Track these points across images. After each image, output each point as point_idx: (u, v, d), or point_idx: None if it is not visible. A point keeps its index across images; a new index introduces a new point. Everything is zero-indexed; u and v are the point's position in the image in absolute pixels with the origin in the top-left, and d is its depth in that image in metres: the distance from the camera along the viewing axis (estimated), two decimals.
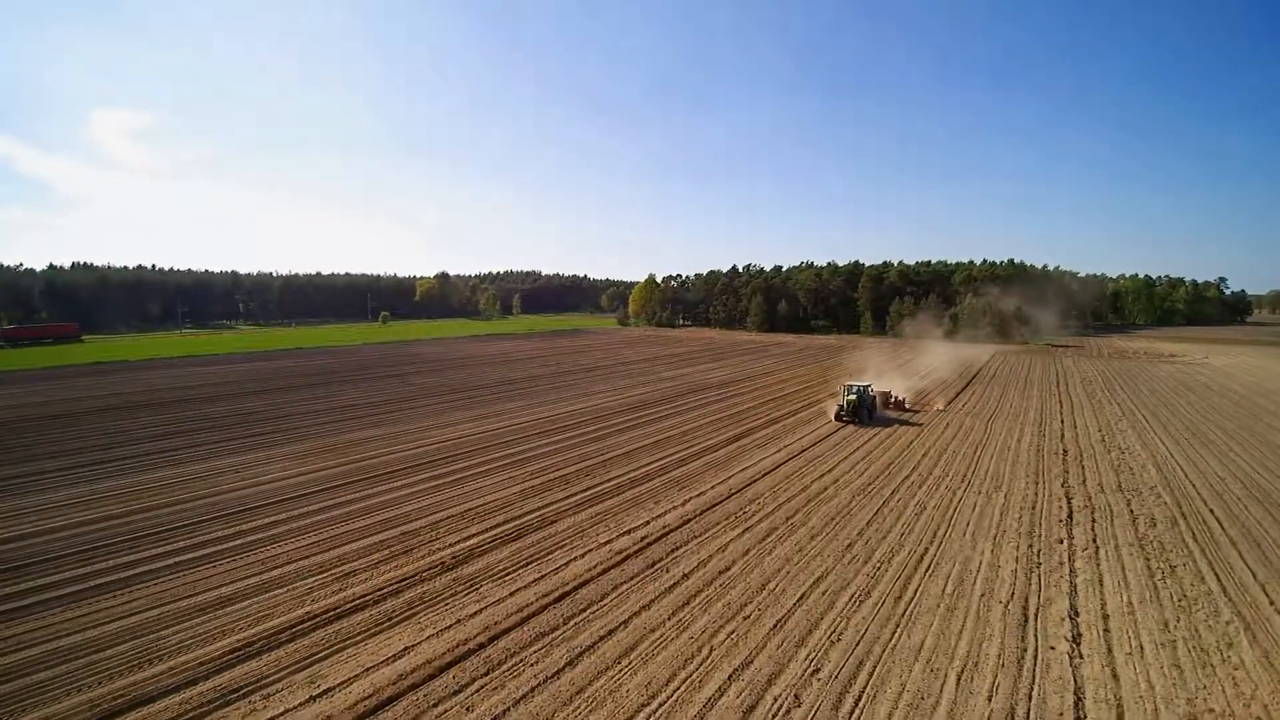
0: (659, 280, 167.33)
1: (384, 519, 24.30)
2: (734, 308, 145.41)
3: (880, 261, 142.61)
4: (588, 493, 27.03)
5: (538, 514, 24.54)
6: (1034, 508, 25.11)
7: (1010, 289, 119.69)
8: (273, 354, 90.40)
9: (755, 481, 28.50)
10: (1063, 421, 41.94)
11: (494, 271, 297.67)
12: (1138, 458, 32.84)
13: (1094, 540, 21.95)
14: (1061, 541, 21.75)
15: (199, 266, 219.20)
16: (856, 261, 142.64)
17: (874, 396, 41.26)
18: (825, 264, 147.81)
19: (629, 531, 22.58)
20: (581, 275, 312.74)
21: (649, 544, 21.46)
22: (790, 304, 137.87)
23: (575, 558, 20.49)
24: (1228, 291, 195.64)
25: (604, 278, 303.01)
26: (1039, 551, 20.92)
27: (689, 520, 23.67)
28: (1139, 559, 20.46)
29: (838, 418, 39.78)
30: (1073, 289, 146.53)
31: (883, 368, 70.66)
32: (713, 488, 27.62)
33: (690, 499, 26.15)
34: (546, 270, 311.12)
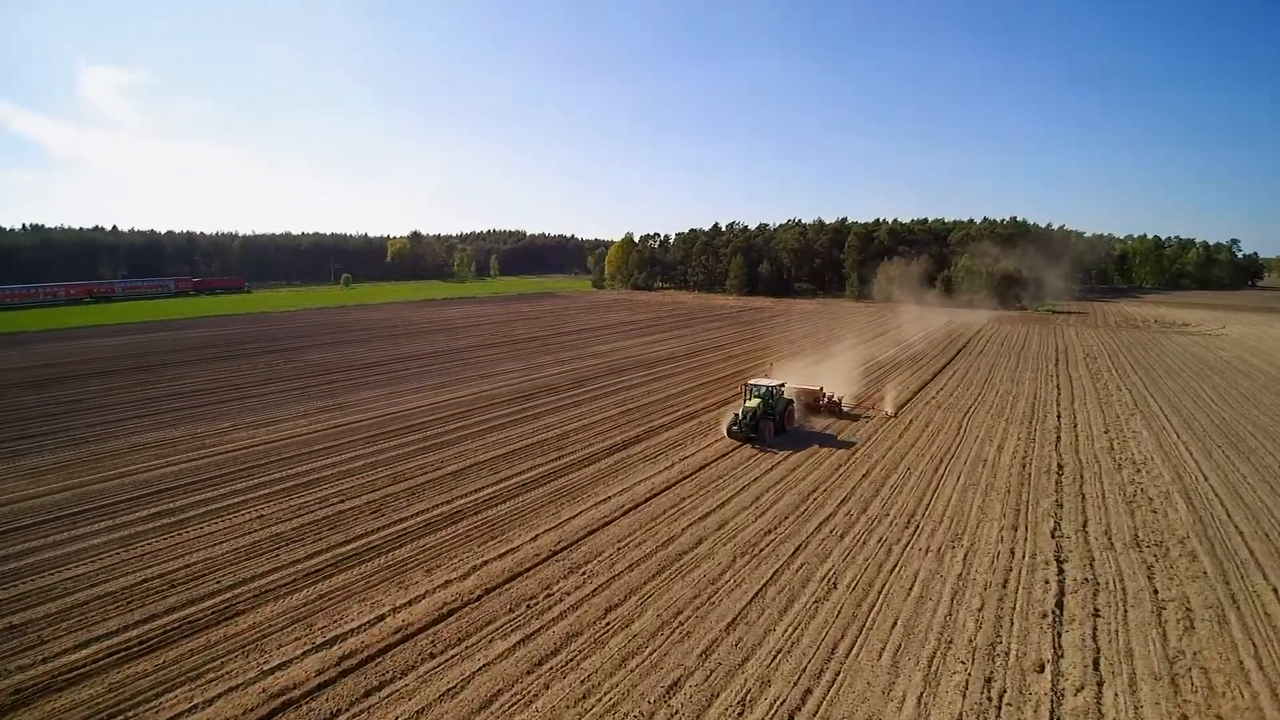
0: (636, 240, 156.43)
1: None
2: (713, 269, 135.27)
3: (872, 219, 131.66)
4: (345, 548, 18.20)
5: (226, 598, 15.73)
6: (1005, 583, 16.26)
7: (1010, 249, 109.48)
8: (198, 322, 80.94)
9: (606, 525, 19.65)
10: (1059, 417, 32.92)
11: (475, 231, 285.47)
12: (1158, 480, 23.90)
13: (1095, 663, 13.16)
14: (1043, 669, 12.94)
15: (162, 227, 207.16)
16: (844, 219, 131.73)
17: (789, 401, 29.85)
18: (812, 221, 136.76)
19: (332, 642, 13.79)
20: (569, 235, 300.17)
21: (333, 680, 12.65)
22: (772, 265, 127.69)
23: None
24: (1240, 254, 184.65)
25: (593, 238, 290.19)
26: (1003, 697, 12.11)
27: (450, 613, 14.86)
28: (1173, 717, 11.66)
29: (730, 433, 28.06)
30: (1078, 250, 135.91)
31: (855, 338, 61.42)
32: (536, 538, 18.77)
33: (489, 561, 17.33)
34: (532, 230, 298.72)
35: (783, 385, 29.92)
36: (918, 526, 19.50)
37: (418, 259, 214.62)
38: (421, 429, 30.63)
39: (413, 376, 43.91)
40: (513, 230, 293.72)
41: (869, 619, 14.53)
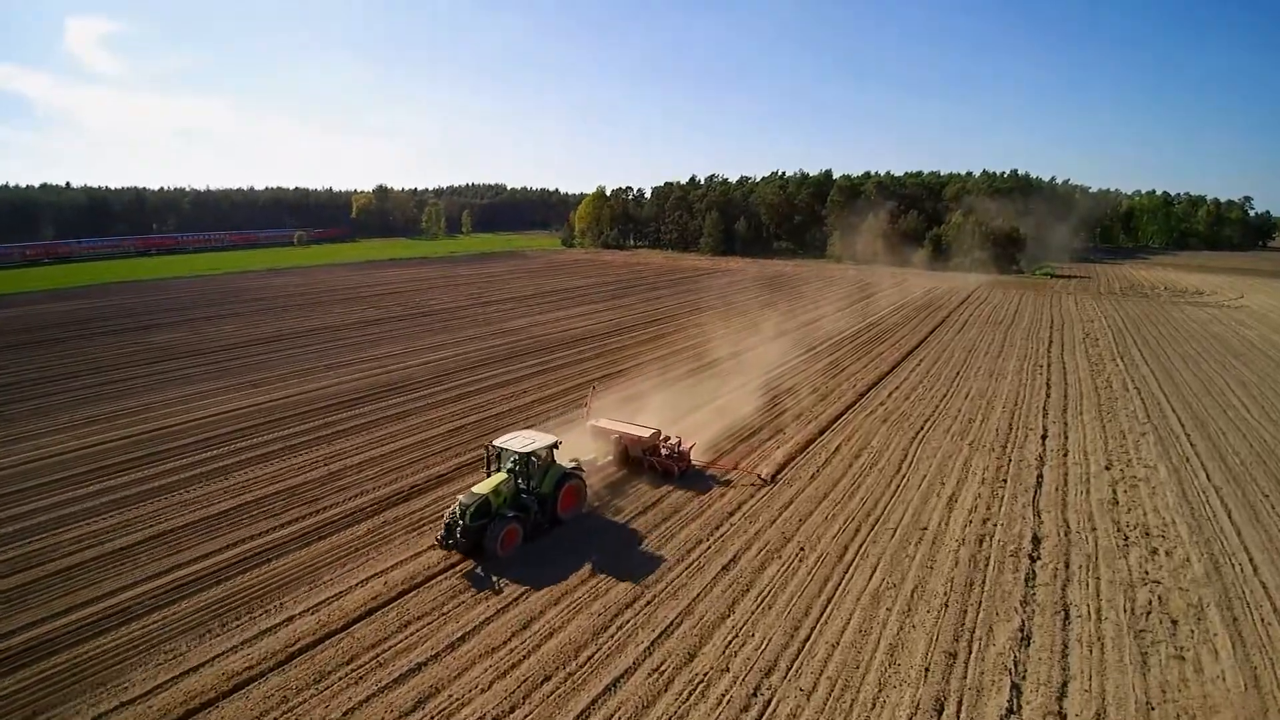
0: (608, 194, 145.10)
1: None
2: (687, 226, 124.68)
3: (860, 172, 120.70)
4: None
5: None
6: None
7: (1009, 205, 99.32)
8: (85, 291, 71.69)
9: (202, 710, 11.22)
10: (1045, 438, 24.33)
11: (453, 185, 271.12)
12: (1183, 573, 15.44)
13: None
14: None
15: (98, 183, 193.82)
16: (827, 171, 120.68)
17: (566, 474, 17.28)
18: (793, 174, 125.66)
19: None
20: (552, 189, 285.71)
21: None
22: (750, 222, 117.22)
23: None
24: (1252, 212, 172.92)
25: (577, 192, 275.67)
26: None
27: None
28: None
29: (443, 541, 15.72)
30: (1083, 206, 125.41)
31: (816, 309, 52.49)
32: None
33: None
34: (514, 184, 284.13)
35: (554, 446, 17.19)
36: (767, 707, 11.05)
37: (385, 215, 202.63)
38: (166, 457, 22.26)
39: (255, 366, 35.29)
40: (491, 184, 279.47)
41: None
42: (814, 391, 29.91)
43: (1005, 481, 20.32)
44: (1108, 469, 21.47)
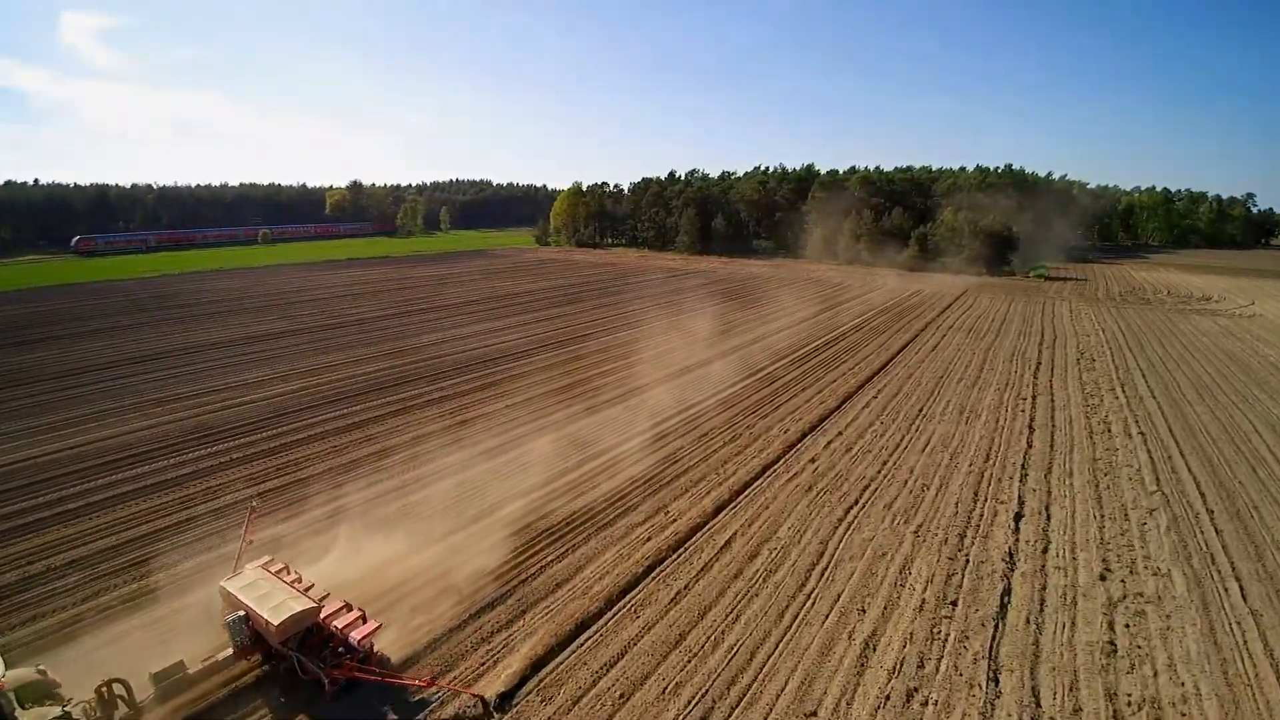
0: (584, 190, 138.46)
1: None
2: (664, 223, 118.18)
3: (846, 167, 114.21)
4: None
5: None
6: None
7: (1003, 201, 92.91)
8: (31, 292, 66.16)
9: None
10: (1019, 518, 18.03)
11: (436, 181, 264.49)
12: None
13: None
14: None
15: (83, 181, 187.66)
16: (810, 165, 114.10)
17: None
18: (774, 169, 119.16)
19: None
20: (539, 185, 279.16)
21: None
22: (729, 219, 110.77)
23: None
24: (1255, 210, 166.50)
25: (565, 187, 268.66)
26: None
27: None
28: None
29: None
30: (1081, 203, 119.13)
31: (768, 322, 46.10)
32: None
33: None
34: (500, 179, 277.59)
35: None
36: None
37: (360, 211, 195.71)
38: None
39: (85, 398, 30.45)
40: (476, 180, 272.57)
41: None
42: (733, 440, 23.63)
43: (954, 606, 14.05)
44: (1103, 579, 15.19)
